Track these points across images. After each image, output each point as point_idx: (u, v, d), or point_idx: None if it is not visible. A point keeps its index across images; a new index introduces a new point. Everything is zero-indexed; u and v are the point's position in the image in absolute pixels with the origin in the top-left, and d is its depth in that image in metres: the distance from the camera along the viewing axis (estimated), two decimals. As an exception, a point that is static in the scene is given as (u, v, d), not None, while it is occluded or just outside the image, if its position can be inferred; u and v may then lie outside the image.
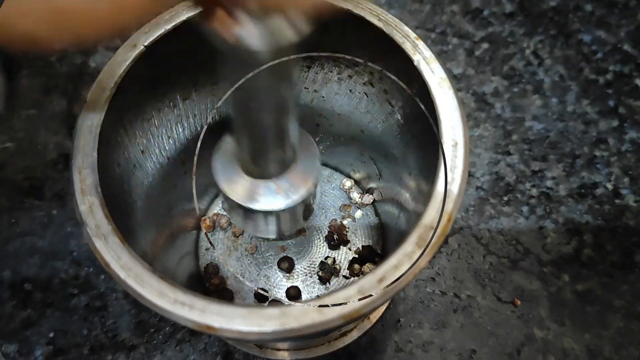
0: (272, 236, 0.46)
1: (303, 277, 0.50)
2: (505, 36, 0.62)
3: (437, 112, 0.32)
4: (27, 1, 0.16)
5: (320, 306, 0.27)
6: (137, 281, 0.28)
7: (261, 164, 0.36)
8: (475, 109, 0.58)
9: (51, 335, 0.48)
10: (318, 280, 0.50)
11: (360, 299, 0.27)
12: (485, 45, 0.61)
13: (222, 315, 0.26)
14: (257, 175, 0.37)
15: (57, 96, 0.59)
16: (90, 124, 0.31)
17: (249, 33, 0.22)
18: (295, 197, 0.37)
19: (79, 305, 0.50)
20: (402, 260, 0.28)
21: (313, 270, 0.51)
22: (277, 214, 0.38)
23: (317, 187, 0.39)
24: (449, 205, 0.30)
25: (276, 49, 0.24)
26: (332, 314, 0.26)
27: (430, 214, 0.29)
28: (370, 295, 0.27)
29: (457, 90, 0.57)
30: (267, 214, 0.38)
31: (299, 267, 0.51)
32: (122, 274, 0.28)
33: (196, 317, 0.27)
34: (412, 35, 0.34)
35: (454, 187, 0.30)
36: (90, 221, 0.29)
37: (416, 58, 0.33)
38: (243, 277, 0.50)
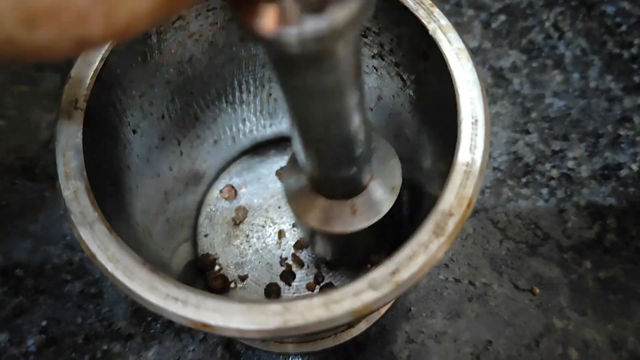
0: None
1: (308, 263, 0.48)
2: (523, 8, 0.58)
3: (455, 86, 0.29)
4: None
5: (327, 302, 0.24)
6: (126, 274, 0.26)
7: (334, 186, 0.33)
8: (492, 84, 0.54)
9: (44, 323, 0.46)
10: (325, 267, 0.48)
11: (370, 294, 0.24)
12: (502, 17, 0.58)
13: (218, 312, 0.24)
14: (331, 195, 0.34)
15: (50, 72, 0.56)
16: (75, 102, 0.29)
17: (287, 21, 0.15)
18: (370, 221, 0.34)
19: (73, 292, 0.47)
20: (417, 251, 0.26)
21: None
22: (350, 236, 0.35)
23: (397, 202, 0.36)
24: (469, 189, 0.27)
25: (325, 37, 0.16)
26: (340, 310, 0.24)
27: (448, 199, 0.27)
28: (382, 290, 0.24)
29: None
30: (340, 236, 0.35)
31: (304, 253, 0.48)
32: (110, 266, 0.26)
33: (190, 313, 0.24)
34: (427, 1, 0.31)
35: (474, 169, 0.28)
36: (74, 208, 0.27)
37: (431, 27, 0.30)
38: (244, 265, 0.48)
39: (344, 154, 0.29)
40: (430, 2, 0.31)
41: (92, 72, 0.30)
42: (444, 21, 0.30)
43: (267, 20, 0.14)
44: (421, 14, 0.31)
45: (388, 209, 0.35)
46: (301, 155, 0.30)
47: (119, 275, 0.26)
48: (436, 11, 0.31)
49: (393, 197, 0.35)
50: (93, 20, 0.15)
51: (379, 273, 0.25)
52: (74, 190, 0.27)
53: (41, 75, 0.56)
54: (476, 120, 0.29)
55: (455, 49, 0.30)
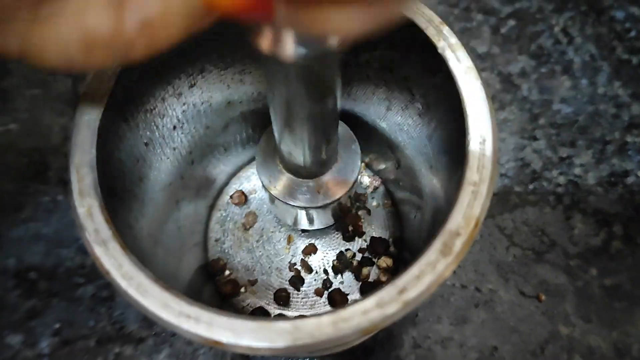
0: (308, 228, 0.48)
1: (316, 268, 0.49)
2: (533, 12, 0.58)
3: (464, 104, 0.30)
4: (60, 30, 0.17)
5: (336, 320, 0.25)
6: (139, 291, 0.26)
7: (301, 166, 0.36)
8: (501, 90, 0.54)
9: (57, 326, 0.47)
10: (331, 271, 0.48)
11: (378, 312, 0.25)
12: (511, 22, 0.58)
13: (230, 330, 0.25)
14: (297, 174, 0.38)
15: (62, 75, 0.57)
16: (88, 118, 0.29)
17: (283, 42, 0.20)
18: (332, 198, 0.39)
19: (85, 295, 0.48)
20: (425, 270, 0.26)
21: (328, 261, 0.49)
22: (313, 210, 0.40)
23: (356, 183, 0.41)
24: (476, 210, 0.27)
25: (313, 57, 0.21)
26: (348, 328, 0.25)
27: (455, 219, 0.27)
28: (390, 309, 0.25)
29: (481, 70, 0.54)
30: (305, 209, 0.40)
31: (313, 258, 0.49)
32: (123, 284, 0.26)
33: (202, 331, 0.25)
34: (437, 19, 0.31)
35: (482, 189, 0.28)
36: (89, 225, 0.27)
37: (441, 45, 0.31)
38: (254, 270, 0.48)
39: (314, 144, 0.33)
40: (440, 20, 0.31)
41: (105, 89, 0.30)
42: (453, 39, 0.31)
43: (266, 43, 0.20)
44: (431, 32, 0.31)
45: (349, 187, 0.40)
46: (279, 140, 0.34)
47: (133, 292, 0.26)
48: (445, 29, 0.31)
49: (352, 178, 0.40)
50: (137, 47, 0.18)
51: (387, 292, 0.25)
52: (88, 207, 0.28)
53: (53, 79, 0.56)
54: (484, 140, 0.29)
55: (464, 67, 0.30)
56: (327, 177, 0.39)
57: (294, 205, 0.39)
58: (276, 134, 0.34)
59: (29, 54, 0.18)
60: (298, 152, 0.34)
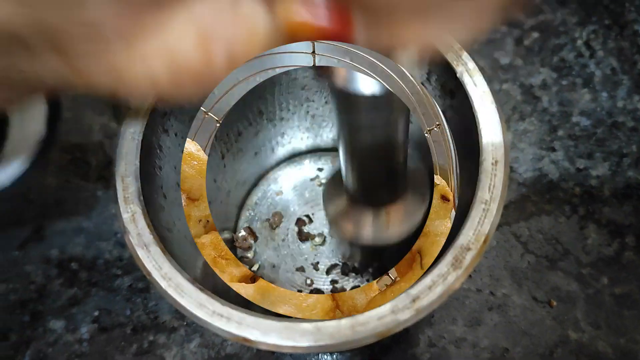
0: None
1: (337, 268, 0.51)
2: (556, 25, 0.60)
3: (479, 127, 0.32)
4: (151, 64, 0.17)
5: (354, 324, 0.27)
6: (177, 291, 0.29)
7: (370, 196, 0.38)
8: (522, 101, 0.56)
9: (96, 313, 0.50)
10: (352, 272, 0.51)
11: (393, 318, 0.27)
12: (535, 35, 0.59)
13: (258, 329, 0.27)
14: (367, 204, 0.39)
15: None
16: (132, 131, 0.32)
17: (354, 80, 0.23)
18: (404, 228, 0.40)
19: (123, 286, 0.51)
20: (437, 281, 0.29)
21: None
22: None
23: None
24: (486, 227, 0.30)
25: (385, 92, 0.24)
26: (365, 332, 0.27)
27: (466, 235, 0.30)
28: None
29: (503, 81, 0.55)
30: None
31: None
32: (163, 284, 0.29)
33: (233, 329, 0.27)
34: (456, 45, 0.33)
35: (492, 207, 0.30)
36: (132, 230, 0.30)
37: (459, 69, 0.33)
38: (279, 267, 0.51)
39: (385, 172, 0.35)
40: (460, 46, 0.33)
41: (149, 104, 0.33)
42: (471, 64, 0.33)
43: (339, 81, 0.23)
44: (450, 57, 0.33)
45: (420, 218, 0.40)
46: (345, 170, 0.36)
47: (172, 292, 0.29)
48: (464, 55, 0.33)
49: (423, 207, 0.40)
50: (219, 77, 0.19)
51: (401, 300, 0.28)
52: (132, 213, 0.30)
53: (95, 80, 0.59)
54: (496, 162, 0.31)
55: (481, 91, 0.32)
56: (397, 207, 0.40)
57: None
58: (343, 165, 0.36)
59: (120, 88, 0.19)
60: (366, 182, 0.36)
